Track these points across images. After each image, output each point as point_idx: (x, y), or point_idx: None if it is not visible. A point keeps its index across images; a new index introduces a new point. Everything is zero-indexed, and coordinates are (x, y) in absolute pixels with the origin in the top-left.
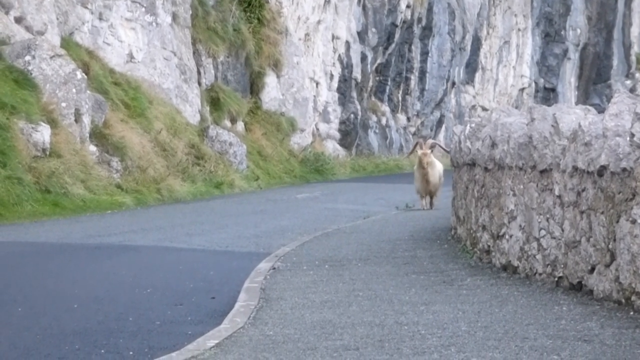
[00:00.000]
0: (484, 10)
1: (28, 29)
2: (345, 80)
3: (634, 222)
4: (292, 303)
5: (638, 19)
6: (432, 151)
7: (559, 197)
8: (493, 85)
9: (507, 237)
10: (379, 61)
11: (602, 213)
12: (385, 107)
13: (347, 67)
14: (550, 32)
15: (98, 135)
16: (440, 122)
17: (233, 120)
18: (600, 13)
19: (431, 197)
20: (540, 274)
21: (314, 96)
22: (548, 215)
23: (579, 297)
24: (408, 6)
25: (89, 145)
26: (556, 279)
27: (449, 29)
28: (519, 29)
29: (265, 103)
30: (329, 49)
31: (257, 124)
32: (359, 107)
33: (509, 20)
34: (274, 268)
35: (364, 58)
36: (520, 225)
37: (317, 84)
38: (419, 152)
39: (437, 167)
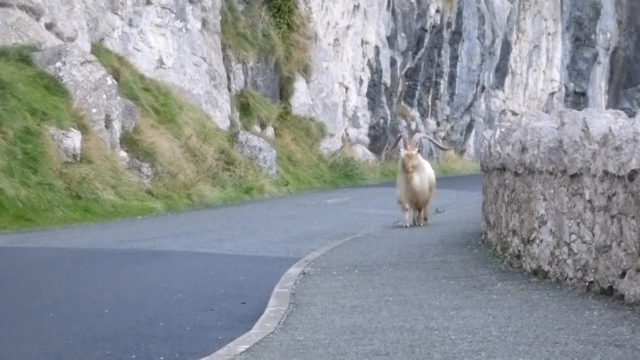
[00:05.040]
0: (514, 15)
1: (59, 35)
2: (374, 85)
3: None
4: (322, 308)
5: None
6: (419, 150)
7: (590, 201)
8: (523, 90)
9: (537, 241)
10: (408, 66)
11: (633, 217)
12: (414, 112)
13: (376, 72)
14: (580, 36)
15: (128, 141)
16: (470, 127)
17: (263, 126)
18: (630, 17)
19: (419, 210)
20: (570, 279)
21: (344, 101)
22: (579, 220)
23: (609, 301)
24: (437, 11)
25: (120, 151)
26: (587, 283)
27: (479, 33)
28: (548, 33)
29: (294, 108)
30: (358, 54)
31: (287, 129)
32: (388, 111)
33: (538, 25)
34: (304, 273)
35: (393, 63)
36: (550, 230)
37: (347, 89)
38: (403, 152)
39: (427, 171)
